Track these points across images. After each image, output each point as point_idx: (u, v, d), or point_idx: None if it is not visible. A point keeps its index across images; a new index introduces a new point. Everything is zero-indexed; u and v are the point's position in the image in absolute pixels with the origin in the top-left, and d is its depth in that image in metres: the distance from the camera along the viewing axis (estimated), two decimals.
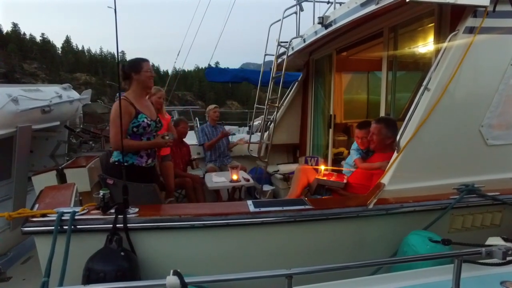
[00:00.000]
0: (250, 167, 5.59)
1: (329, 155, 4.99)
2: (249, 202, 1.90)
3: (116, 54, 2.08)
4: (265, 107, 4.92)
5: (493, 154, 2.47)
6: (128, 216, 1.80)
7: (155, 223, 1.77)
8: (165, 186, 4.18)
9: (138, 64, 2.68)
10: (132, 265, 1.71)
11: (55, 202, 2.03)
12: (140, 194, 2.10)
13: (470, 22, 2.34)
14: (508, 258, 1.29)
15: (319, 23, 3.84)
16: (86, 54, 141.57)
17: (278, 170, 5.28)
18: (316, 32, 4.09)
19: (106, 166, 2.92)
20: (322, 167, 3.18)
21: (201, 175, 5.02)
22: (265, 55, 5.18)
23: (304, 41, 4.47)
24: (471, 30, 2.34)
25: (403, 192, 2.18)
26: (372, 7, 2.76)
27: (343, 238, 1.98)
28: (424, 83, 2.32)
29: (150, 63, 2.82)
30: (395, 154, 2.31)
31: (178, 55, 9.19)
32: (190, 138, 5.43)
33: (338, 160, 5.12)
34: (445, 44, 2.32)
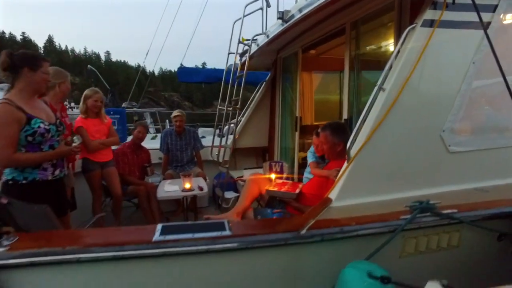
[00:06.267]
0: (216, 172, 5.27)
1: (296, 160, 4.70)
2: (159, 226, 1.56)
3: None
4: (224, 109, 4.60)
5: (455, 162, 2.21)
6: None
7: (29, 257, 1.39)
8: (111, 193, 3.85)
9: (37, 60, 2.21)
10: None
11: None
12: (32, 216, 1.74)
13: (429, 14, 2.08)
14: None
15: (279, 18, 3.56)
16: (70, 54, 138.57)
17: (242, 176, 4.96)
18: (278, 28, 3.80)
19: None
20: (273, 176, 2.87)
21: (157, 183, 4.67)
22: (229, 53, 4.85)
23: (268, 38, 4.18)
24: (430, 24, 2.07)
25: (353, 209, 1.88)
26: None
27: (270, 272, 1.61)
28: (379, 82, 2.04)
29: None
30: (345, 164, 2.01)
31: (146, 54, 8.80)
32: (157, 142, 5.06)
33: (305, 164, 4.85)
34: (401, 39, 2.05)
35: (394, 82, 2.02)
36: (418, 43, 2.05)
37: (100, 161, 3.69)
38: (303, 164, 4.87)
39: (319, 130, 2.71)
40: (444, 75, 2.15)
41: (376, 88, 2.03)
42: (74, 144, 2.40)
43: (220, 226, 1.52)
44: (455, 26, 2.10)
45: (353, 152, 1.99)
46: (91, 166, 3.64)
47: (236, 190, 5.00)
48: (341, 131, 2.56)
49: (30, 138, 2.15)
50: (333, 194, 1.95)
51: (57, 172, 2.34)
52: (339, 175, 2.02)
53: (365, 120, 2.03)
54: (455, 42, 2.14)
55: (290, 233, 1.54)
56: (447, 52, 2.13)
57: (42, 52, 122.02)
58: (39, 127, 2.18)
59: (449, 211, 1.74)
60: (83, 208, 3.84)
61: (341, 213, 1.85)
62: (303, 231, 1.55)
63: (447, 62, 2.15)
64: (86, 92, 3.68)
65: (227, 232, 1.47)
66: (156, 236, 1.44)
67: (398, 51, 2.06)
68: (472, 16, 2.09)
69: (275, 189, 2.69)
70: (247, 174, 5.00)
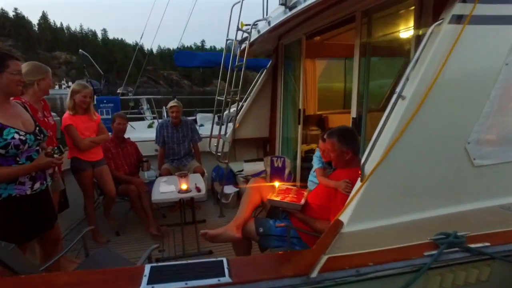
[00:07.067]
0: (215, 164, 5.04)
1: (298, 153, 4.47)
2: (147, 269, 1.34)
3: None
4: (223, 99, 4.33)
5: (480, 177, 1.98)
6: None
7: None
8: (105, 193, 3.67)
9: (2, 60, 1.91)
10: None
11: None
12: (4, 253, 1.50)
13: (458, 8, 1.78)
14: None
15: (281, 4, 3.25)
16: (66, 31, 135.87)
17: (242, 170, 4.74)
18: (280, 15, 3.48)
19: None
20: (276, 184, 2.65)
21: (153, 178, 4.45)
22: (227, 40, 4.53)
23: (269, 24, 3.85)
24: (459, 20, 1.78)
25: (367, 234, 1.68)
26: None
27: None
28: (398, 89, 1.78)
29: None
30: (358, 183, 1.78)
31: (142, 34, 8.36)
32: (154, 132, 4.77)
33: (309, 158, 4.62)
34: (425, 39, 1.77)
35: (415, 89, 1.76)
36: (444, 44, 1.77)
37: (91, 160, 3.47)
38: (306, 158, 4.66)
39: (325, 136, 2.45)
40: (473, 80, 1.88)
41: (394, 96, 1.77)
42: (55, 156, 2.14)
43: (218, 269, 1.30)
44: (488, 21, 1.82)
45: (367, 169, 1.76)
46: (82, 166, 3.42)
47: (236, 185, 4.81)
48: (349, 137, 2.31)
49: (2, 151, 1.89)
50: (344, 217, 1.73)
51: (37, 185, 2.09)
52: (351, 195, 1.79)
53: (381, 133, 1.78)
54: (486, 40, 1.86)
55: (299, 277, 1.33)
56: (477, 53, 1.85)
57: (36, 29, 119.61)
58: (13, 138, 1.91)
59: (480, 244, 1.53)
60: (76, 205, 3.67)
61: (354, 239, 1.64)
62: (314, 274, 1.34)
63: (477, 64, 1.87)
64: (73, 86, 3.39)
65: (226, 279, 1.26)
66: (143, 286, 1.23)
67: (421, 53, 1.78)
68: (509, 9, 1.81)
69: (278, 198, 2.48)
70: (247, 166, 4.79)
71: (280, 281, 1.30)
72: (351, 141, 2.28)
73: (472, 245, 1.52)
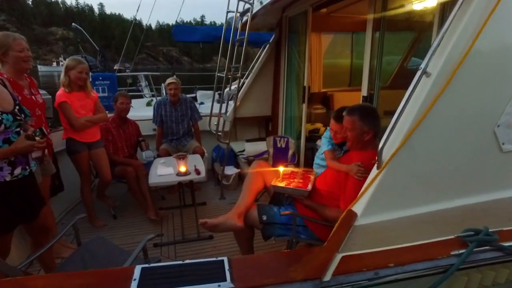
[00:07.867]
0: (215, 144, 4.85)
1: (302, 133, 4.27)
2: (137, 271, 1.18)
3: None
4: (224, 76, 4.08)
5: (508, 163, 1.79)
6: None
7: None
8: (100, 177, 3.51)
9: None
10: None
11: None
12: None
13: None
14: None
15: None
16: (61, 6, 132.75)
17: (243, 150, 4.56)
18: None
19: None
20: (280, 169, 2.46)
21: (151, 158, 4.28)
22: (228, 12, 4.23)
23: None
24: None
25: (383, 227, 1.51)
26: None
27: None
28: (422, 65, 1.55)
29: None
30: (374, 170, 1.60)
31: (138, 7, 7.99)
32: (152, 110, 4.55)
33: (313, 138, 4.43)
34: (457, 6, 1.53)
35: (443, 65, 1.54)
36: (479, 11, 1.53)
37: (87, 142, 3.27)
38: (310, 138, 4.47)
39: (343, 113, 2.20)
40: (509, 54, 1.66)
41: (418, 73, 1.55)
42: (37, 139, 1.94)
43: (218, 272, 1.14)
44: None
45: (386, 155, 1.57)
46: (77, 147, 3.23)
47: (237, 166, 4.64)
48: (372, 116, 2.08)
49: None
50: (358, 207, 1.55)
51: (17, 171, 1.89)
52: (366, 183, 1.61)
53: (402, 114, 1.57)
54: None
55: (310, 281, 1.17)
56: None
57: (30, 3, 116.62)
58: None
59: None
60: (72, 187, 3.51)
61: (370, 234, 1.48)
62: (327, 277, 1.18)
63: None
64: (67, 62, 3.15)
65: (227, 284, 1.10)
66: None
67: (449, 24, 1.55)
68: None
69: (283, 184, 2.30)
70: (249, 147, 4.61)
71: (289, 286, 1.13)
72: (374, 121, 2.07)
73: (505, 243, 1.35)
